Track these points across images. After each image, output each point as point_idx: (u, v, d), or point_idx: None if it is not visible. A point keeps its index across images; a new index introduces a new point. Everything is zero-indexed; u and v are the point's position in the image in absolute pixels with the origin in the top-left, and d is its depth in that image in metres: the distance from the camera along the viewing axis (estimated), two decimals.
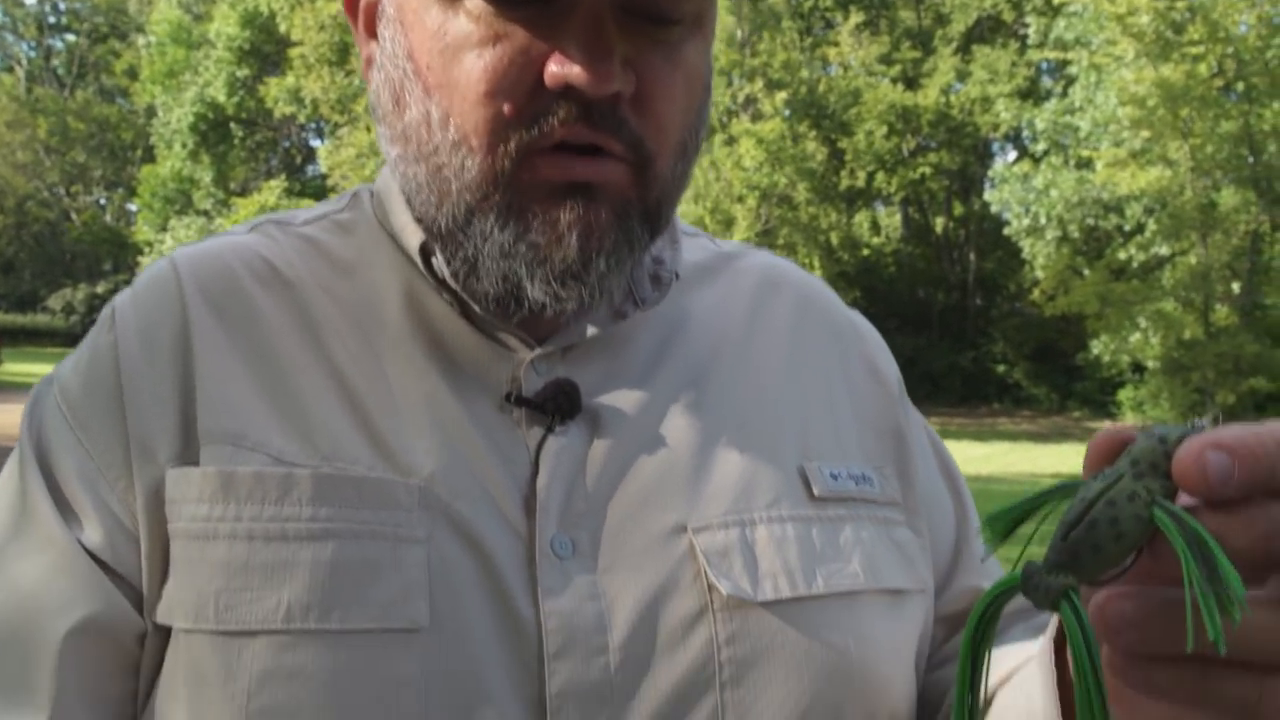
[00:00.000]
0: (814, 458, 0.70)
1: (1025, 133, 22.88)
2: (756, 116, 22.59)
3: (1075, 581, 0.36)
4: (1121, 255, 18.56)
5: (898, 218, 29.41)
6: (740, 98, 22.85)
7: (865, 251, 26.95)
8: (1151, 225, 17.71)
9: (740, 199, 21.17)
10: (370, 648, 0.57)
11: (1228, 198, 17.54)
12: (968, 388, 25.61)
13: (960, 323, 27.78)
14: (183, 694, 0.58)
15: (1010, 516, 0.38)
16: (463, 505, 0.61)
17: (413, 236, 0.68)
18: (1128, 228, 18.79)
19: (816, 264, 21.57)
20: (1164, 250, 17.97)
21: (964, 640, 0.40)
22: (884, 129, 23.73)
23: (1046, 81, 24.25)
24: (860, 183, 24.35)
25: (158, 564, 0.61)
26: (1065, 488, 0.38)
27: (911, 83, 25.59)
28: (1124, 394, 21.23)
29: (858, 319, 0.84)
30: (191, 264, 0.69)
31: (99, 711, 0.60)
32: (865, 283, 26.04)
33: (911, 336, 26.81)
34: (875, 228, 29.05)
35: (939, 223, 28.53)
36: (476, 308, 0.66)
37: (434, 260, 0.67)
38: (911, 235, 29.10)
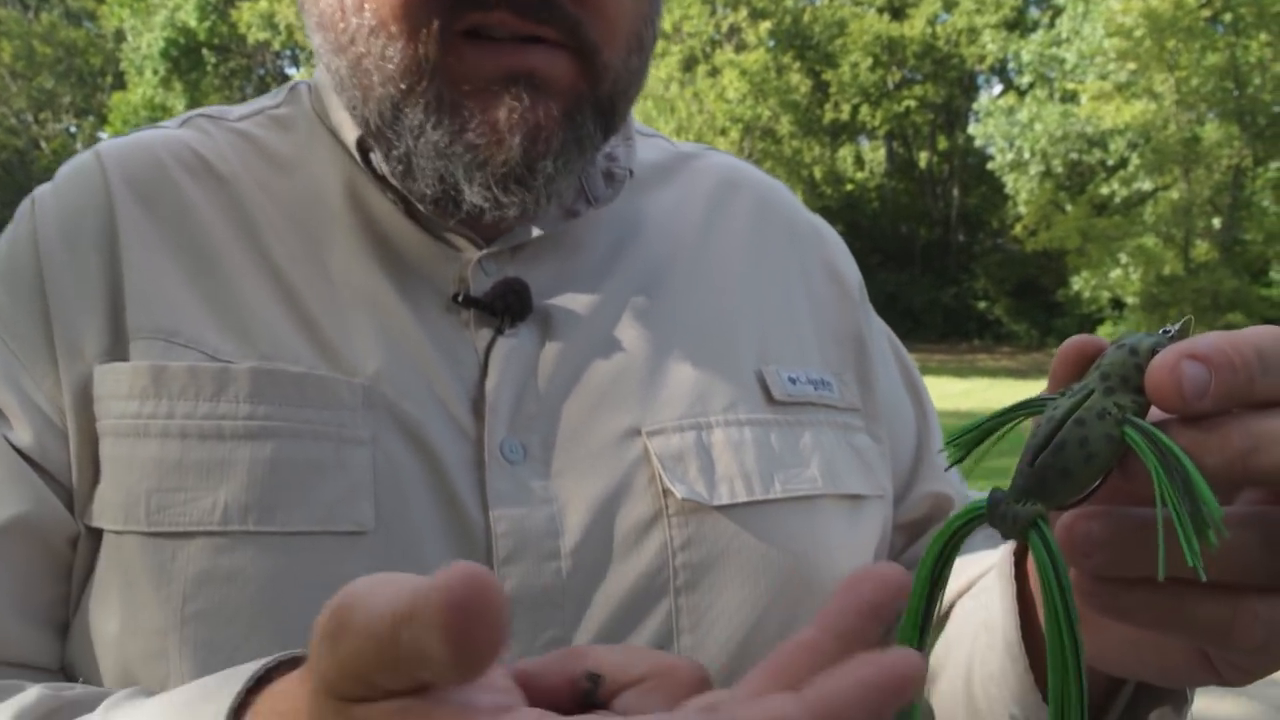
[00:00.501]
0: (772, 362, 0.68)
1: (1011, 65, 22.70)
2: (740, 47, 22.26)
3: (1044, 509, 0.34)
4: (1104, 190, 18.56)
5: (882, 152, 29.19)
6: (724, 27, 22.47)
7: (849, 186, 26.82)
8: (1134, 160, 17.67)
9: (723, 131, 20.95)
10: (313, 550, 0.55)
11: (1211, 131, 17.49)
12: (949, 324, 25.72)
13: (942, 259, 27.81)
14: (115, 598, 0.56)
15: (972, 434, 0.36)
16: (409, 406, 0.59)
17: (350, 132, 0.65)
18: (1111, 163, 18.76)
19: (800, 197, 21.47)
20: (1146, 185, 17.96)
21: (921, 568, 0.38)
22: (869, 61, 23.47)
23: (1034, 12, 23.92)
24: (844, 116, 24.14)
25: (88, 464, 0.58)
26: (1031, 404, 0.36)
27: (898, 13, 25.23)
28: (1103, 330, 21.35)
29: (819, 222, 0.81)
30: (117, 154, 0.65)
31: (28, 616, 0.58)
32: (848, 218, 25.96)
33: (894, 272, 26.82)
34: (859, 162, 28.85)
35: (923, 157, 28.35)
36: (420, 207, 0.63)
37: (372, 157, 0.64)
38: (895, 170, 28.93)
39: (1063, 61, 18.38)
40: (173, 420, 0.56)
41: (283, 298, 0.61)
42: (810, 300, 0.74)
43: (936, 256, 28.01)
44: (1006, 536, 0.35)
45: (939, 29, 24.33)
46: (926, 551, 0.38)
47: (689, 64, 22.27)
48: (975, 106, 21.39)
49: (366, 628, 0.28)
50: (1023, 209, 20.15)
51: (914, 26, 23.95)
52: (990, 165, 20.62)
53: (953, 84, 25.67)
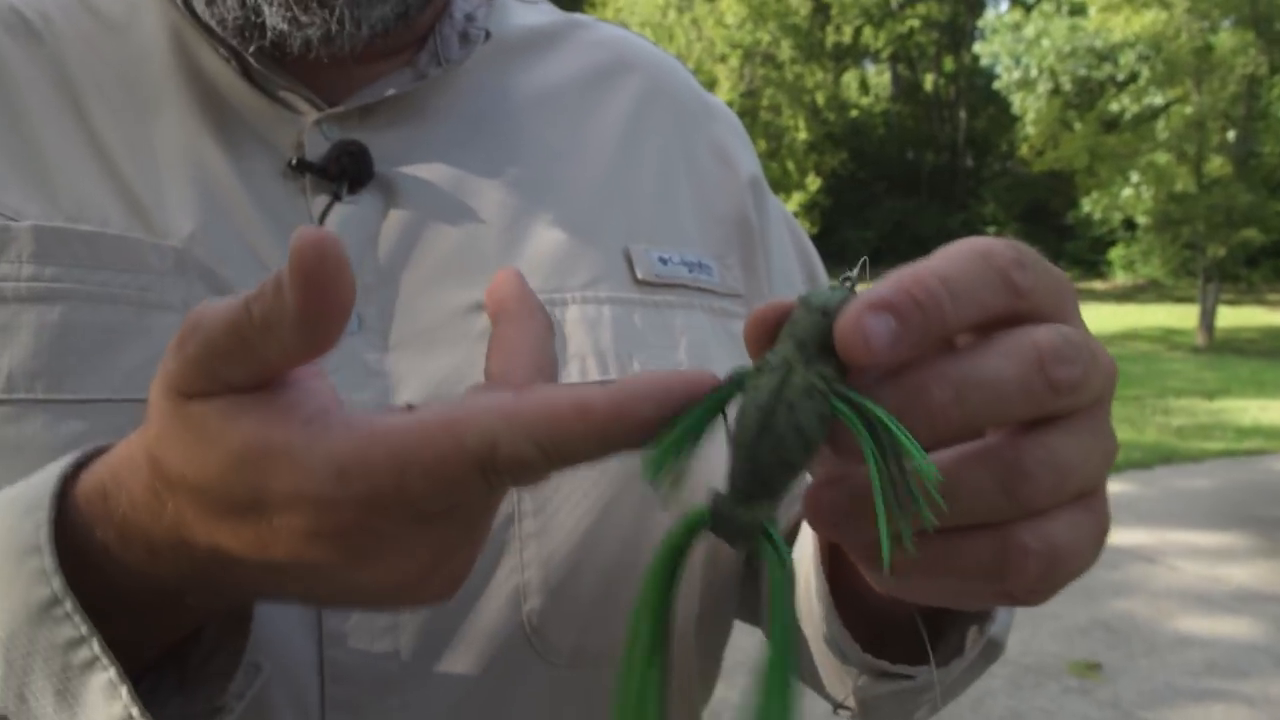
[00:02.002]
0: (643, 241, 0.65)
1: None
2: None
3: (771, 511, 0.32)
4: (1114, 107, 18.18)
5: (887, 76, 28.65)
6: None
7: (854, 112, 26.37)
8: (1145, 73, 17.27)
9: (723, 58, 20.55)
10: (112, 418, 0.52)
11: (1225, 40, 17.03)
12: None
13: (950, 184, 27.49)
14: None
15: (676, 445, 0.31)
16: (226, 272, 0.56)
17: None
18: (1121, 77, 18.32)
19: (802, 125, 21.14)
20: (1158, 100, 17.58)
21: (648, 590, 0.34)
22: None
23: None
24: (847, 39, 23.65)
25: None
26: (724, 390, 0.32)
27: None
28: (1115, 253, 21.15)
29: (714, 102, 0.77)
30: None
31: None
32: (853, 145, 25.63)
33: (900, 200, 26.52)
34: (864, 87, 28.36)
35: (928, 80, 27.83)
36: (236, 44, 0.59)
37: None
38: (901, 94, 28.47)
39: None
40: None
41: (97, 158, 0.58)
42: (693, 180, 0.71)
43: (944, 182, 27.68)
44: (734, 545, 0.33)
45: None
46: (651, 571, 0.34)
47: None
48: (980, 24, 20.92)
49: (215, 316, 0.31)
50: (1030, 129, 19.77)
51: None
52: (996, 85, 20.19)
53: (957, 2, 25.04)
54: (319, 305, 0.29)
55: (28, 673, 0.39)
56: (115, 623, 0.38)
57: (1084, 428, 0.33)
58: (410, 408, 0.34)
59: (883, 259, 25.15)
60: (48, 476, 0.40)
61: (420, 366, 0.57)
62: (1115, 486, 6.06)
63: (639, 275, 0.64)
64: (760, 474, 0.32)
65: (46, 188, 0.57)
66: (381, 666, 0.54)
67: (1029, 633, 3.96)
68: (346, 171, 0.60)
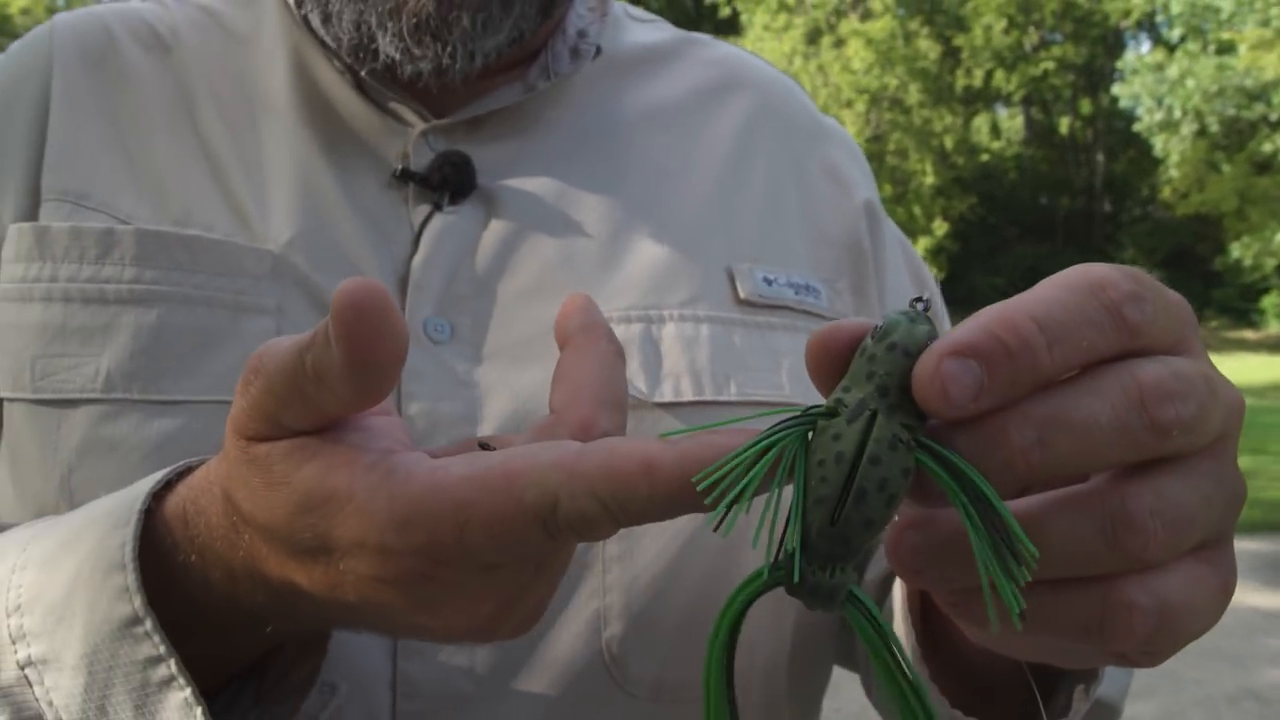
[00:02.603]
0: (747, 259, 0.63)
1: (1160, 18, 21.32)
2: (866, 16, 21.62)
3: (854, 575, 0.30)
4: (1266, 148, 17.26)
5: (1019, 120, 27.94)
6: None
7: (984, 156, 25.77)
8: None
9: (848, 104, 20.41)
10: (203, 419, 0.53)
11: None
12: None
13: (1086, 229, 26.52)
14: (7, 466, 0.56)
15: (729, 472, 0.28)
16: (322, 278, 0.56)
17: None
18: (1274, 117, 17.38)
19: (929, 169, 20.75)
20: None
21: (713, 648, 0.32)
22: (1003, 23, 22.46)
23: None
24: (977, 82, 23.20)
25: None
26: (790, 425, 0.29)
27: None
28: (1268, 300, 20.02)
29: (829, 123, 0.76)
30: (68, 23, 0.65)
31: None
32: (983, 189, 25.01)
33: (1033, 245, 25.72)
34: (995, 131, 27.70)
35: (1064, 123, 27.02)
36: (350, 61, 0.61)
37: (308, 15, 0.62)
38: (1034, 137, 27.69)
39: (1218, 10, 17.14)
40: (55, 284, 0.55)
41: (207, 164, 0.60)
42: (803, 201, 0.69)
43: (1080, 227, 26.71)
44: (814, 609, 0.30)
45: None
46: (715, 629, 0.31)
47: (813, 37, 21.78)
48: (1120, 65, 20.28)
49: (275, 361, 0.31)
50: (1174, 172, 18.95)
51: None
52: (1137, 127, 19.45)
53: (1094, 43, 24.35)
54: (363, 359, 0.28)
55: (109, 686, 0.38)
56: (196, 640, 0.38)
57: (1202, 471, 0.30)
58: (485, 446, 0.33)
59: None
60: (136, 493, 0.39)
61: (510, 379, 0.56)
62: (1268, 545, 5.67)
63: (741, 295, 0.62)
64: (843, 533, 0.29)
65: (158, 193, 0.58)
66: (455, 684, 0.53)
67: (1169, 700, 3.70)
68: (448, 181, 0.60)
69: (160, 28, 0.65)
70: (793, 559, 0.29)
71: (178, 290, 0.55)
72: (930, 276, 0.77)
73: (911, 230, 20.59)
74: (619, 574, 0.54)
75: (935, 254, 20.75)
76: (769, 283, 0.63)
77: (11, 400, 0.55)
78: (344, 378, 0.29)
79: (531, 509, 0.28)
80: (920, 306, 0.30)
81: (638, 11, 0.76)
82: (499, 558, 0.30)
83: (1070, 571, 0.29)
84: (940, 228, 20.68)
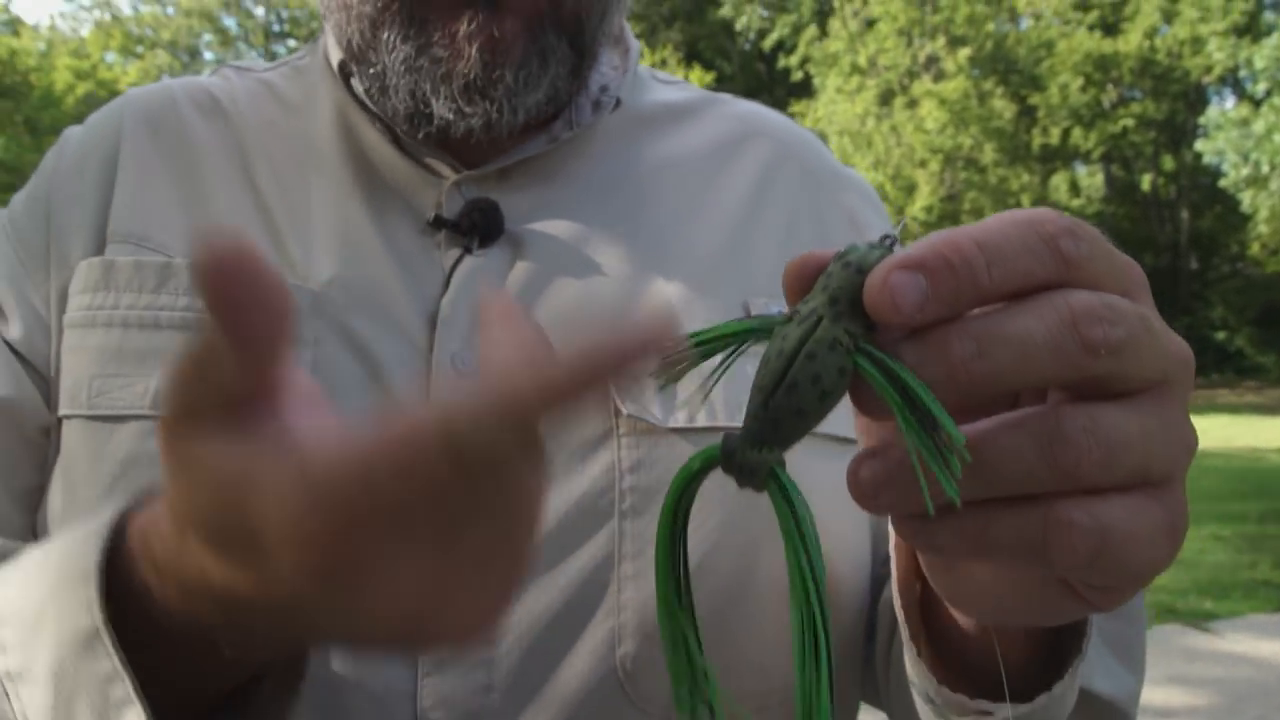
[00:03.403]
0: (763, 295, 0.66)
1: (1243, 73, 20.91)
2: (939, 76, 21.62)
3: (780, 456, 0.32)
4: None
5: (1099, 177, 27.50)
6: (921, 57, 21.90)
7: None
8: None
9: (922, 163, 20.32)
10: None
11: None
12: None
13: (1173, 288, 25.83)
14: (60, 477, 0.60)
15: (700, 346, 0.33)
16: (357, 315, 0.60)
17: (335, 55, 0.69)
18: None
19: None
20: None
21: (661, 525, 0.35)
22: (1080, 81, 22.23)
23: (1268, 16, 21.97)
24: (1054, 140, 22.93)
25: (58, 356, 0.63)
26: (761, 327, 0.33)
27: (1111, 29, 23.83)
28: None
29: (848, 172, 0.79)
30: (138, 95, 0.72)
31: (16, 499, 0.61)
32: None
33: None
34: (1074, 189, 27.28)
35: (1145, 180, 26.52)
36: (399, 129, 0.67)
37: (354, 82, 0.68)
38: (1115, 195, 27.20)
39: None
40: (117, 310, 0.60)
41: (260, 215, 0.65)
42: (820, 242, 0.69)
43: (1167, 285, 26.02)
44: (743, 486, 0.33)
45: (1158, 42, 22.77)
46: (664, 505, 0.35)
47: (885, 97, 21.81)
48: (1202, 121, 19.86)
49: (184, 348, 0.30)
50: (1263, 228, 18.43)
51: (1129, 42, 22.53)
52: (1223, 183, 19.00)
53: (1175, 99, 23.94)
54: (236, 323, 0.27)
55: (73, 702, 0.39)
56: (167, 667, 0.38)
57: (1145, 408, 0.32)
58: None
59: None
60: (111, 510, 0.40)
61: None
62: None
63: None
64: (773, 418, 0.32)
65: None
66: (475, 700, 0.55)
67: None
68: (478, 226, 0.64)
69: (221, 96, 0.72)
70: (726, 438, 0.33)
71: None
72: None
73: None
74: (633, 593, 0.56)
75: None
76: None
77: (69, 417, 0.60)
78: (226, 345, 0.27)
79: (432, 433, 0.26)
80: (886, 241, 0.32)
81: (663, 74, 0.81)
82: (415, 506, 0.27)
83: (1012, 488, 0.31)
84: None
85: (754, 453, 0.32)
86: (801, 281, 0.33)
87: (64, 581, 0.39)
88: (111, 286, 0.61)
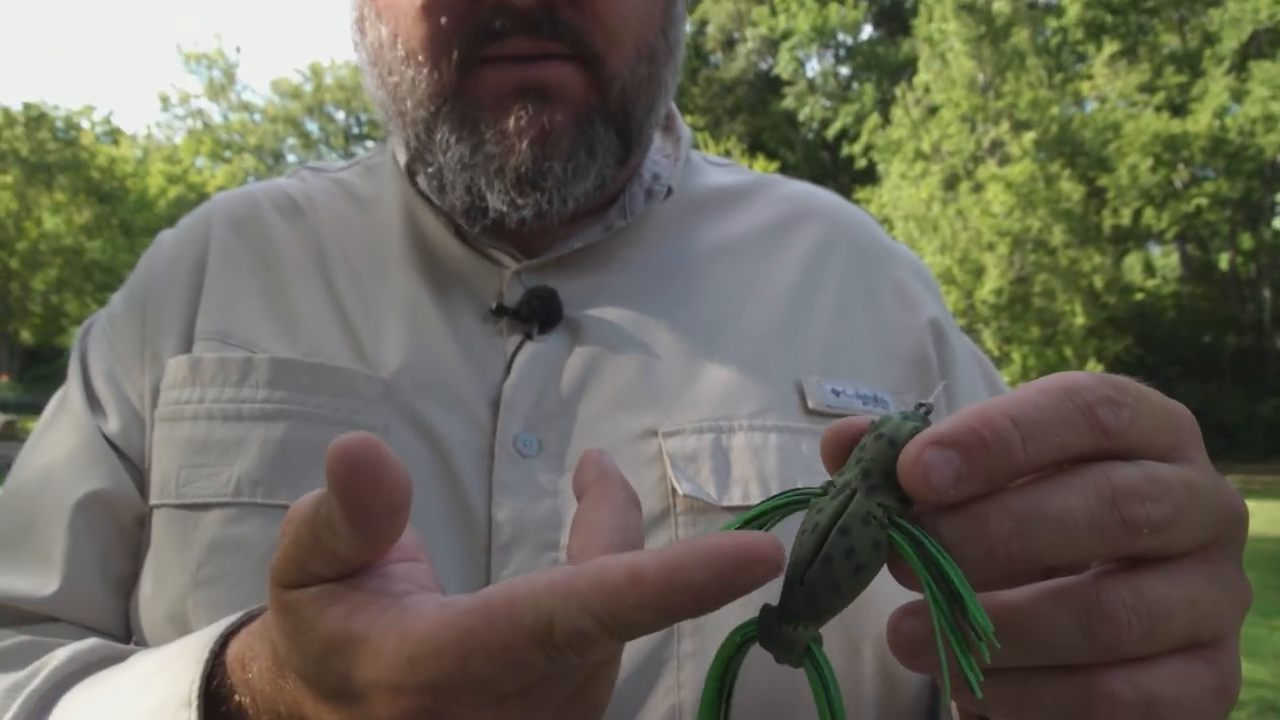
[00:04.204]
0: (815, 373, 0.67)
1: None
2: (1004, 160, 21.61)
3: (815, 631, 0.32)
4: None
5: (1174, 257, 27.04)
6: (985, 142, 21.95)
7: (1138, 296, 24.92)
8: None
9: (990, 246, 20.19)
10: None
11: None
12: (1271, 440, 22.89)
13: (1258, 367, 25.06)
14: (151, 564, 0.63)
15: (746, 525, 0.33)
16: (425, 401, 0.63)
17: (401, 156, 0.73)
18: None
19: (1079, 310, 20.12)
20: None
21: (705, 700, 0.35)
22: (1149, 161, 22.01)
23: None
24: (1126, 221, 22.64)
25: (151, 450, 0.66)
26: (799, 499, 0.33)
27: (1178, 110, 23.68)
28: None
29: (898, 248, 0.81)
30: (225, 198, 0.77)
31: (109, 583, 0.64)
32: (1140, 329, 24.08)
33: (1199, 385, 24.43)
34: (1149, 269, 26.85)
35: (1223, 258, 26.00)
36: (459, 222, 0.70)
37: (418, 180, 0.71)
38: (1192, 274, 26.68)
39: None
40: (203, 404, 0.64)
41: (334, 308, 0.68)
42: (872, 319, 0.73)
43: (1250, 365, 25.26)
44: (780, 661, 0.33)
45: (1228, 121, 22.53)
46: (707, 680, 0.35)
47: (950, 182, 21.85)
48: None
49: (300, 511, 0.32)
50: None
51: (1198, 122, 22.32)
52: None
53: (1250, 176, 23.54)
54: (360, 509, 0.29)
55: None
56: None
57: (1192, 572, 0.31)
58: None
59: None
60: (211, 634, 0.43)
61: None
62: None
63: (810, 405, 0.65)
64: (809, 593, 0.31)
65: (290, 331, 0.67)
66: None
67: None
68: (537, 313, 0.66)
69: (298, 197, 0.76)
70: (762, 613, 0.33)
71: (301, 409, 0.62)
72: (1007, 387, 0.78)
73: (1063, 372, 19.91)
74: (692, 670, 0.56)
75: None
76: (837, 394, 0.66)
77: (159, 506, 0.63)
78: (347, 527, 0.30)
79: (528, 631, 0.28)
80: (922, 410, 0.33)
81: (715, 157, 0.84)
82: (506, 685, 0.30)
83: (1052, 659, 0.31)
84: (1095, 369, 19.91)
85: (790, 629, 0.32)
86: (837, 449, 0.33)
87: (168, 703, 0.41)
88: (198, 382, 0.64)
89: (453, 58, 0.63)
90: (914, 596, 0.32)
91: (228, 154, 38.81)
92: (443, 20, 0.62)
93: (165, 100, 40.19)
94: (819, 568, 0.31)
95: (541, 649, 0.28)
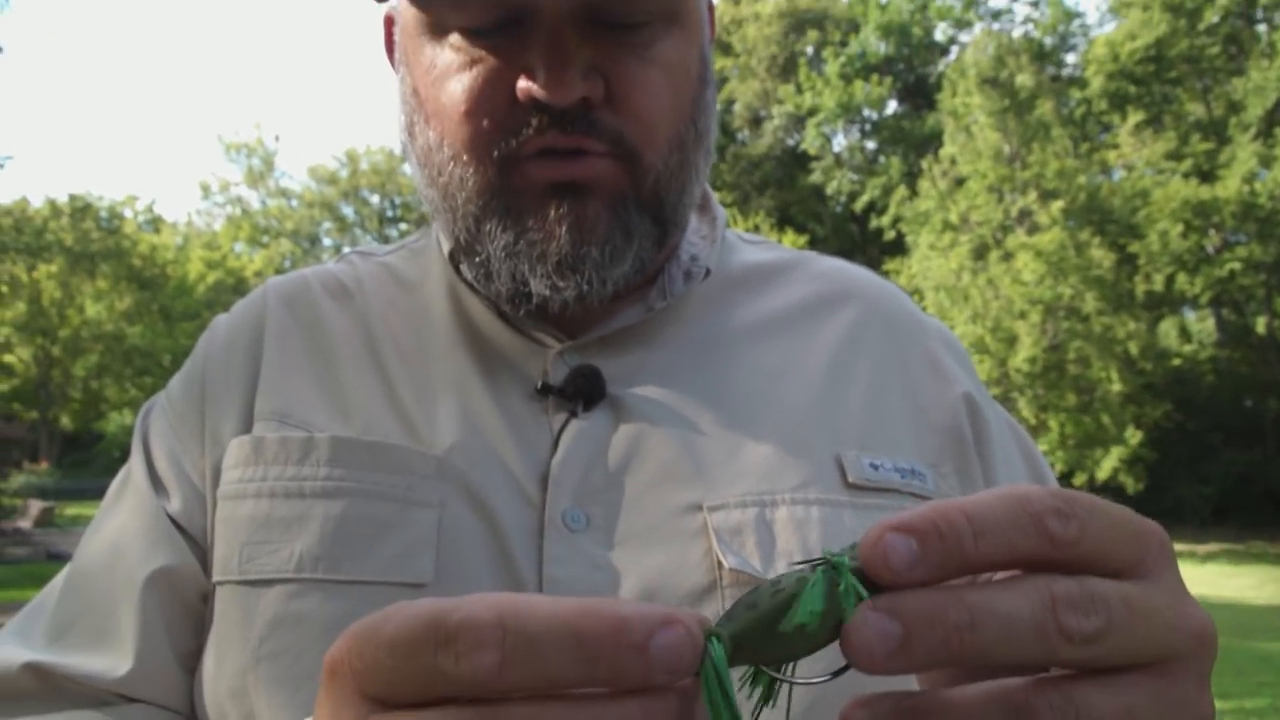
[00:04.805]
0: (854, 447, 0.69)
1: None
2: (1033, 229, 21.64)
3: (720, 631, 0.32)
4: None
5: (1210, 322, 26.79)
6: (1013, 211, 22.02)
7: (1175, 361, 24.64)
8: None
9: (1022, 315, 20.11)
10: (373, 598, 0.60)
11: None
12: None
13: None
14: (214, 641, 0.64)
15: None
16: (478, 477, 0.65)
17: (446, 246, 0.77)
18: None
19: (1115, 376, 19.91)
20: None
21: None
22: (1179, 227, 21.96)
23: None
24: (1158, 287, 22.51)
25: (213, 528, 0.68)
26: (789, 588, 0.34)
27: (1206, 176, 23.67)
28: None
29: (929, 320, 0.83)
30: (278, 283, 0.81)
31: (181, 663, 0.66)
32: (1178, 394, 23.75)
33: (1242, 451, 23.97)
34: (1184, 335, 26.60)
35: (1260, 322, 25.70)
36: (503, 307, 0.73)
37: (462, 267, 0.75)
38: (1228, 339, 26.37)
39: None
40: (265, 482, 0.66)
41: (385, 388, 0.71)
42: (907, 392, 0.75)
43: None
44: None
45: (1258, 186, 22.48)
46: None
47: (980, 251, 21.88)
48: None
49: (403, 626, 0.31)
50: None
51: (1227, 187, 22.29)
52: None
53: None
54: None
55: None
56: None
57: (1132, 685, 0.33)
58: None
59: (1229, 516, 22.52)
60: None
61: (639, 560, 0.62)
62: None
63: (850, 479, 0.67)
64: (731, 609, 0.33)
65: (344, 411, 0.70)
66: None
67: None
68: (582, 392, 0.69)
69: (348, 281, 0.80)
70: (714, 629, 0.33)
71: (359, 486, 0.64)
72: (1044, 461, 0.80)
73: (1102, 440, 19.61)
74: None
75: (1131, 464, 19.58)
76: (875, 468, 0.68)
77: (222, 583, 0.65)
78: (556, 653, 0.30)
79: (428, 617, 0.30)
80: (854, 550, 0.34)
81: (750, 235, 0.86)
82: (403, 684, 0.31)
83: None
84: (1134, 436, 19.61)
85: (731, 653, 0.32)
86: None
87: None
88: (260, 461, 0.66)
89: (494, 155, 0.66)
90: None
91: (265, 239, 39.66)
92: (485, 122, 0.66)
93: (206, 188, 41.31)
94: (773, 623, 0.32)
95: (435, 638, 0.30)
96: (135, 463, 0.74)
